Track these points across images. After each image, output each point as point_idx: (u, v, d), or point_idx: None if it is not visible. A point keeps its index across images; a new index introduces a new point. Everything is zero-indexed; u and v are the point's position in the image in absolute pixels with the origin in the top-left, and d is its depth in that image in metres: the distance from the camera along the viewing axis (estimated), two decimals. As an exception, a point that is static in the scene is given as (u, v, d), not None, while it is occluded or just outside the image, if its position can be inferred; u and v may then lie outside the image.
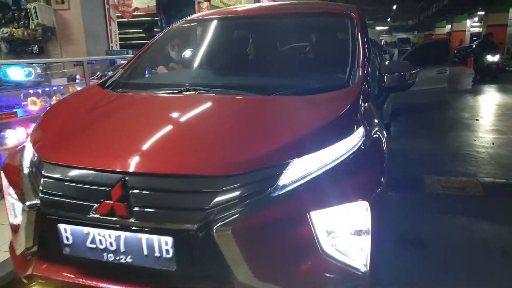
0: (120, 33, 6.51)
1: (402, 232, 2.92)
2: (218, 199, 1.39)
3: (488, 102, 9.37)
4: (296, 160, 1.49)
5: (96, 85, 2.46)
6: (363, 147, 1.67)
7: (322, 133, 1.62)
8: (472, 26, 26.25)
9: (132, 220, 1.44)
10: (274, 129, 1.66)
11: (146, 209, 1.43)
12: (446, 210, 3.36)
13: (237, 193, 1.41)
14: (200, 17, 3.11)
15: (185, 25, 2.97)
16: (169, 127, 1.73)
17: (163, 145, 1.59)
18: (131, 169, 1.46)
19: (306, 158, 1.51)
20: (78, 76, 4.40)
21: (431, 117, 7.21)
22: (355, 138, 1.68)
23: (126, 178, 1.45)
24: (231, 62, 2.74)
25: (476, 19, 25.36)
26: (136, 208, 1.43)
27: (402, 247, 2.74)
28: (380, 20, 31.59)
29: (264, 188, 1.43)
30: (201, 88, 2.15)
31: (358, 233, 1.52)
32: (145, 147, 1.57)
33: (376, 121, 2.03)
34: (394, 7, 23.76)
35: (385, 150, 1.84)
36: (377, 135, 1.89)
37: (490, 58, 12.91)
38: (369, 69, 2.37)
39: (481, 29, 22.52)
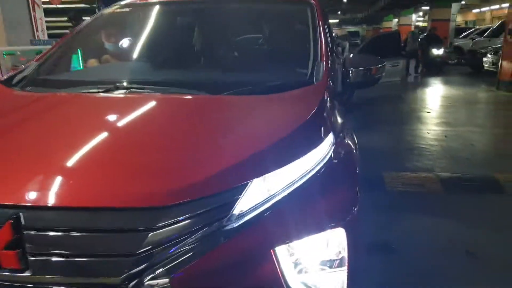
0: (49, 21, 5.79)
1: (366, 235, 2.73)
2: (151, 239, 1.05)
3: (436, 94, 9.65)
4: (255, 180, 1.17)
5: None
6: (333, 158, 1.39)
7: (286, 143, 1.31)
8: (417, 21, 27.34)
9: (27, 274, 1.04)
10: (224, 139, 1.33)
11: (47, 258, 1.04)
12: (408, 209, 3.24)
13: (177, 230, 1.07)
14: (137, 1, 2.68)
15: (120, 10, 2.53)
16: (84, 142, 1.31)
17: (74, 168, 1.19)
18: (27, 201, 1.06)
19: (267, 177, 1.20)
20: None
21: (385, 111, 7.24)
22: (325, 148, 1.39)
23: (20, 215, 1.05)
24: (173, 55, 2.34)
25: (421, 13, 26.43)
26: (32, 258, 1.04)
27: (368, 252, 2.54)
28: (331, 12, 32.04)
29: (214, 220, 1.11)
30: (134, 85, 1.76)
31: (333, 264, 1.24)
32: (47, 170, 1.16)
33: (344, 123, 1.76)
34: (345, 0, 24.12)
35: (357, 158, 1.58)
36: (347, 141, 1.63)
37: (435, 51, 13.37)
38: (333, 63, 2.10)
39: (425, 24, 23.49)
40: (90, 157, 1.23)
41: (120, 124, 1.47)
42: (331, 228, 1.22)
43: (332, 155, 1.41)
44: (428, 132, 5.72)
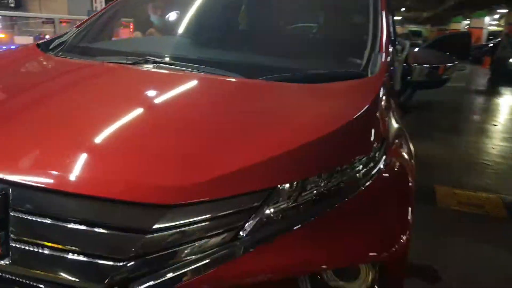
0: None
1: (412, 260, 2.39)
2: (144, 244, 0.85)
3: (506, 106, 8.73)
4: (281, 186, 0.93)
5: (33, 45, 1.88)
6: (384, 171, 1.11)
7: (325, 145, 1.05)
8: (490, 24, 25.28)
9: (5, 262, 0.89)
10: (251, 132, 1.09)
11: (30, 248, 0.88)
12: (463, 233, 2.82)
13: (178, 236, 0.87)
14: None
15: None
16: (98, 119, 1.14)
17: (80, 148, 1.01)
18: (19, 177, 0.90)
19: (297, 184, 0.95)
20: (47, 36, 3.81)
21: (445, 118, 6.62)
22: (374, 157, 1.11)
23: (9, 191, 0.90)
24: (214, 32, 2.14)
25: (496, 16, 24.34)
26: (15, 244, 0.89)
27: (410, 282, 2.20)
28: (394, 9, 30.42)
29: (227, 229, 0.90)
30: (165, 60, 1.57)
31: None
32: (50, 146, 1.00)
33: (400, 128, 1.45)
34: (412, -4, 22.75)
35: (412, 174, 1.27)
36: (402, 150, 1.32)
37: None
38: (394, 57, 1.78)
39: (499, 28, 21.58)
40: (99, 137, 1.05)
41: (142, 101, 1.30)
42: (369, 261, 0.95)
43: (383, 167, 1.12)
44: (494, 147, 5.11)
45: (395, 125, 1.42)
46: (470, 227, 2.93)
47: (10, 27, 3.68)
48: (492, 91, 10.69)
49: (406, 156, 1.31)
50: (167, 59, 1.60)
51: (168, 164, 0.94)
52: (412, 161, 1.34)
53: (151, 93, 1.36)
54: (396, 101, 1.72)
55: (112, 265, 0.84)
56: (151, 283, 0.84)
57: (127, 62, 1.56)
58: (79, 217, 0.88)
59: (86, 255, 0.86)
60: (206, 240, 0.88)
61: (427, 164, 4.18)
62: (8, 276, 0.90)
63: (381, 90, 1.38)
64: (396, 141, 1.33)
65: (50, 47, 1.83)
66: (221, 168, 0.91)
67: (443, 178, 3.81)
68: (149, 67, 1.53)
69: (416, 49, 2.01)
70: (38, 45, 1.86)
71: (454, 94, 5.64)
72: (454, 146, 5.10)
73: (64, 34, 2.01)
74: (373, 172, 1.08)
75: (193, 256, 0.86)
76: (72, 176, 0.90)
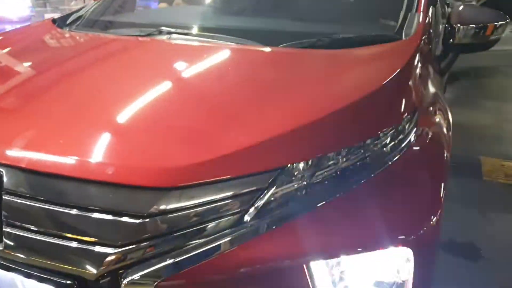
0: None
1: (452, 236, 2.26)
2: (138, 230, 0.82)
3: None
4: (292, 165, 0.86)
5: (49, 21, 1.87)
6: (414, 145, 1.00)
7: (345, 117, 0.96)
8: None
9: None
10: (262, 106, 1.02)
11: (23, 234, 0.87)
12: (510, 208, 2.62)
13: (175, 222, 0.83)
14: None
15: None
16: (103, 95, 1.11)
17: (77, 128, 0.98)
18: (12, 159, 0.89)
19: (312, 162, 0.87)
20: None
21: (495, 86, 6.11)
22: (404, 128, 1.00)
23: (2, 173, 0.89)
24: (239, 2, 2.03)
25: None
26: (8, 229, 0.88)
27: (452, 259, 2.09)
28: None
29: (229, 213, 0.84)
30: (180, 31, 1.50)
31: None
32: (43, 126, 0.98)
33: (437, 96, 1.32)
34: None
35: (448, 147, 1.15)
36: (438, 121, 1.20)
37: None
38: (435, 18, 1.61)
39: None
40: (96, 118, 1.01)
41: (148, 76, 1.25)
42: (393, 246, 0.87)
43: (413, 139, 1.02)
44: (550, 115, 4.67)
45: (431, 93, 1.29)
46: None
47: (43, 5, 3.74)
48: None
49: (441, 127, 1.19)
50: (182, 30, 1.53)
51: (168, 144, 0.89)
52: (449, 133, 1.21)
53: (157, 67, 1.31)
54: (435, 67, 1.57)
55: (107, 251, 0.82)
56: (148, 270, 0.81)
57: (141, 34, 1.52)
58: (74, 201, 0.86)
59: (81, 241, 0.84)
60: (208, 224, 0.83)
61: (474, 135, 3.91)
62: (1, 261, 0.90)
63: (416, 55, 1.24)
64: (432, 111, 1.20)
65: (67, 22, 1.81)
66: (224, 147, 0.86)
67: (491, 150, 3.55)
68: (162, 38, 1.48)
69: (461, 7, 1.80)
70: (54, 21, 1.84)
71: (505, 59, 5.14)
72: (504, 115, 4.71)
73: (81, 8, 1.99)
74: (402, 146, 0.99)
75: (194, 242, 0.82)
76: (67, 159, 0.87)
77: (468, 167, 3.19)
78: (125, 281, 0.80)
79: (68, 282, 0.84)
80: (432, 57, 1.52)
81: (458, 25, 1.63)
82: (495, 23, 1.68)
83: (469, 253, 2.17)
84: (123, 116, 1.00)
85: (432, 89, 1.32)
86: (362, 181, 0.91)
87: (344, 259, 0.87)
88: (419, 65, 1.24)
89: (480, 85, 5.94)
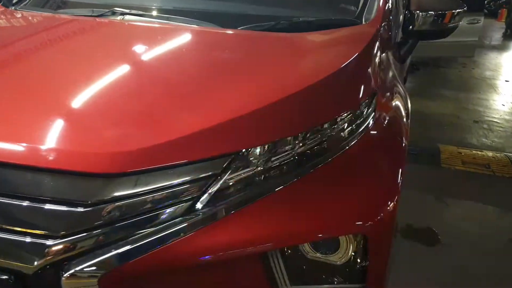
0: None
1: (411, 222, 2.31)
2: (79, 220, 0.76)
3: (519, 61, 8.34)
4: (246, 151, 0.82)
5: None
6: (373, 129, 0.98)
7: (302, 101, 0.92)
8: (507, -26, 23.81)
9: None
10: (216, 89, 0.96)
11: None
12: (467, 194, 2.72)
13: (118, 211, 0.76)
14: None
15: None
16: (45, 76, 1.02)
17: (15, 111, 0.88)
18: None
19: (268, 147, 0.83)
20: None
21: (454, 75, 6.34)
22: (362, 113, 0.98)
23: None
24: None
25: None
26: None
27: (409, 244, 2.13)
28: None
29: (178, 201, 0.79)
30: (134, 12, 1.42)
31: (347, 280, 0.88)
32: None
33: (396, 82, 1.31)
34: None
35: (406, 133, 1.14)
36: (396, 106, 1.18)
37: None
38: (394, 3, 1.60)
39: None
40: (39, 101, 0.92)
41: (93, 58, 1.16)
42: (351, 232, 0.84)
43: (371, 124, 1.00)
44: (504, 104, 4.90)
45: (390, 79, 1.28)
46: (476, 188, 2.82)
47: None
48: (506, 46, 10.22)
49: (400, 113, 1.18)
50: (137, 11, 1.44)
51: (115, 129, 0.83)
52: (408, 119, 1.21)
53: (107, 49, 1.23)
54: (395, 54, 1.56)
55: (47, 243, 0.75)
56: (92, 261, 0.74)
57: (93, 14, 1.42)
58: (13, 189, 0.78)
59: (19, 232, 0.77)
60: (158, 212, 0.78)
61: (433, 123, 4.03)
62: None
63: (375, 39, 1.22)
64: (391, 96, 1.19)
65: (14, 0, 1.67)
66: (176, 131, 0.80)
67: (449, 137, 3.67)
68: (115, 19, 1.39)
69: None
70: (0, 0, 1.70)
71: (462, 49, 5.33)
72: (462, 104, 4.90)
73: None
74: (360, 130, 0.96)
75: (143, 231, 0.77)
76: (5, 144, 0.78)
77: (427, 155, 3.27)
78: (66, 274, 0.73)
79: (4, 277, 0.76)
80: (392, 43, 1.51)
81: (418, 11, 1.63)
82: (453, 11, 1.69)
83: (426, 238, 2.22)
84: (68, 100, 0.92)
85: (391, 75, 1.31)
86: (319, 166, 0.88)
87: (300, 245, 0.84)
88: (378, 50, 1.22)
89: (439, 75, 6.14)
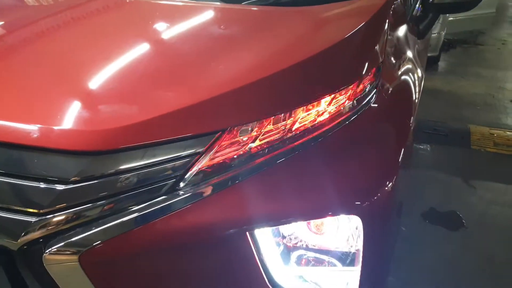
0: None
1: (434, 206, 2.22)
2: (60, 197, 0.76)
3: None
4: (230, 129, 0.80)
5: None
6: (374, 102, 0.93)
7: (296, 76, 0.89)
8: None
9: None
10: (203, 65, 0.93)
11: None
12: (497, 177, 2.57)
13: (98, 189, 0.76)
14: None
15: None
16: (24, 52, 1.01)
17: None
18: None
19: (255, 124, 0.81)
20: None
21: (492, 53, 5.96)
22: (362, 85, 0.93)
23: None
24: None
25: None
26: None
27: (432, 228, 2.06)
28: None
29: (162, 179, 0.78)
30: None
31: (339, 262, 0.86)
32: None
33: (410, 60, 1.23)
34: None
35: (412, 110, 1.08)
36: (404, 89, 1.12)
37: None
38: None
39: None
40: (22, 75, 0.92)
41: (79, 32, 1.14)
42: (342, 213, 0.81)
43: (373, 100, 0.95)
44: (545, 82, 4.57)
45: (400, 54, 1.21)
46: (507, 171, 2.67)
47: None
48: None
49: (408, 90, 1.11)
50: None
51: (95, 106, 0.81)
52: (417, 97, 1.14)
53: (86, 22, 1.19)
54: (411, 28, 1.47)
55: (29, 220, 0.76)
56: (73, 238, 0.76)
57: None
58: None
59: (5, 209, 0.78)
60: (139, 191, 0.77)
61: (466, 103, 3.83)
62: None
63: (382, 12, 1.15)
64: (398, 71, 1.12)
65: None
66: (159, 108, 0.78)
67: (482, 118, 3.48)
68: None
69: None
70: None
71: (479, 23, 4.99)
72: (499, 83, 4.61)
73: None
74: (360, 106, 0.91)
75: (124, 209, 0.77)
76: None
77: (456, 136, 3.13)
78: (47, 251, 0.75)
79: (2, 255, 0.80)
80: (406, 17, 1.43)
81: (438, -17, 1.52)
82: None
83: (450, 222, 2.13)
84: (49, 75, 0.91)
85: (403, 50, 1.24)
86: (312, 144, 0.85)
87: (290, 226, 0.82)
88: (387, 23, 1.15)
89: (476, 53, 5.80)
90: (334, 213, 0.81)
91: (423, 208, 2.21)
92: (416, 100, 1.14)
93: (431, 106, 3.66)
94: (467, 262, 1.84)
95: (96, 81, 0.87)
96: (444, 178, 2.55)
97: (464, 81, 4.58)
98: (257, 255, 0.82)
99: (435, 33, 4.34)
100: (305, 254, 0.87)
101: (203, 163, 0.79)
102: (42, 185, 0.76)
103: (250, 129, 0.82)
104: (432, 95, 3.96)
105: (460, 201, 2.31)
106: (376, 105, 0.95)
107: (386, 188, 0.85)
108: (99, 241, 0.75)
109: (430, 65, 4.69)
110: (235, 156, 0.81)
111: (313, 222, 0.85)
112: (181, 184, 0.79)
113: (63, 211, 0.76)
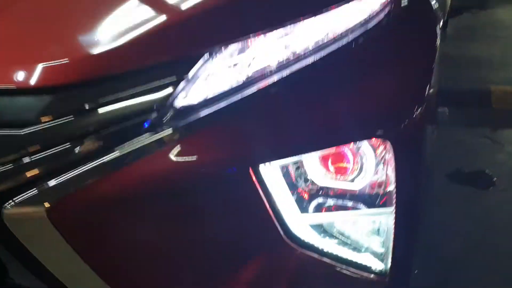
0: None
1: (459, 166, 2.04)
2: (20, 142, 0.63)
3: None
4: (228, 48, 0.66)
5: None
6: (396, 7, 0.78)
7: None
8: None
9: None
10: None
11: None
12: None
13: (68, 128, 0.63)
14: None
15: None
16: None
17: None
18: None
19: (245, 45, 0.66)
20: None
21: (505, 14, 5.68)
22: None
23: None
24: None
25: None
26: None
27: (460, 188, 1.89)
28: None
29: (137, 113, 0.64)
30: None
31: (367, 202, 0.71)
32: None
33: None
34: None
35: (440, 19, 0.91)
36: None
37: None
38: None
39: None
40: None
41: None
42: (369, 137, 0.66)
43: (395, 3, 0.78)
44: None
45: None
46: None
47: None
48: None
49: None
50: None
51: (52, 33, 0.68)
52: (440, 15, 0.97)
53: None
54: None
55: None
56: (37, 189, 0.62)
57: None
58: None
59: None
60: (114, 129, 0.63)
61: (483, 64, 3.62)
62: None
63: None
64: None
65: None
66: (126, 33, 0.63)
67: (501, 77, 3.27)
68: None
69: None
70: None
71: None
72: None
73: None
74: (378, 13, 0.75)
75: (98, 153, 0.63)
76: None
77: (477, 96, 2.94)
78: (7, 205, 0.62)
79: None
80: None
81: None
82: None
83: (479, 181, 1.96)
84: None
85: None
86: (328, 57, 0.68)
87: (305, 157, 0.67)
88: None
89: (487, 16, 5.53)
90: (361, 138, 0.65)
91: (448, 168, 2.04)
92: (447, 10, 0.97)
93: (447, 70, 3.47)
94: (500, 221, 1.67)
95: (58, 10, 0.73)
96: (468, 139, 2.38)
97: (477, 44, 4.34)
98: (267, 202, 0.67)
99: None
100: (325, 199, 0.72)
101: (189, 92, 0.64)
102: (1, 131, 0.63)
103: (239, 49, 0.66)
104: (446, 60, 3.76)
105: (487, 159, 2.14)
106: (398, 8, 0.78)
107: (423, 107, 0.69)
108: (72, 191, 0.61)
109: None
110: (229, 82, 0.65)
111: (334, 159, 0.69)
112: (166, 118, 0.64)
113: (24, 158, 0.63)
